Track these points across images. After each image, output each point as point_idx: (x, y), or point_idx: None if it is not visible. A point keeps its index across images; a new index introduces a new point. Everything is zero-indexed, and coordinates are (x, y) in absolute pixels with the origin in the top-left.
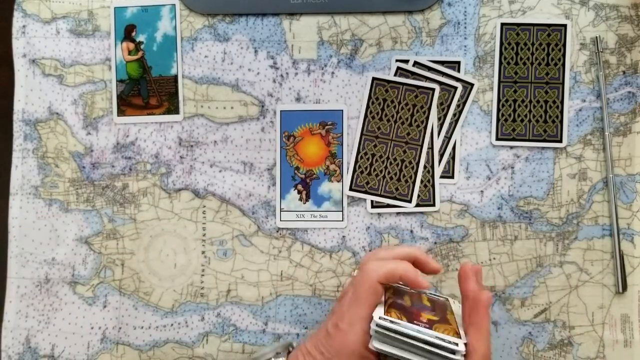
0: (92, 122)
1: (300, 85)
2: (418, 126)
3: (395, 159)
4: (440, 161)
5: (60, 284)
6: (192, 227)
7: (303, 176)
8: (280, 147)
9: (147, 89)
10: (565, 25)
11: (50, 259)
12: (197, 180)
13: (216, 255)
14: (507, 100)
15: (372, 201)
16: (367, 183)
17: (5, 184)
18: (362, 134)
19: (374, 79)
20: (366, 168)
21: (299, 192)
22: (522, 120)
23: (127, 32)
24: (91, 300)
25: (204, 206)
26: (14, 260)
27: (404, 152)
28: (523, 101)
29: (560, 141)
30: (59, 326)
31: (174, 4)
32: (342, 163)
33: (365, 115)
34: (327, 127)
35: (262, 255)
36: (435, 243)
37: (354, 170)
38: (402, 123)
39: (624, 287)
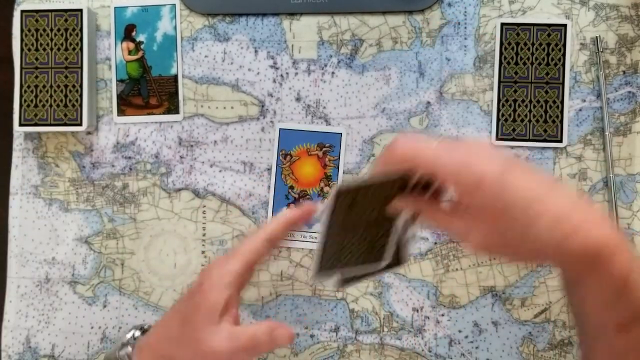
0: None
1: (300, 85)
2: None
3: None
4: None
5: (60, 284)
6: (192, 227)
7: (297, 196)
8: (277, 165)
9: (147, 88)
10: (565, 25)
11: (50, 258)
12: (197, 180)
13: (216, 255)
14: (507, 100)
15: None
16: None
17: (5, 184)
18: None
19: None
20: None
21: None
22: (522, 120)
23: (127, 32)
24: (91, 300)
25: (204, 206)
26: (14, 259)
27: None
28: (523, 101)
29: (561, 141)
30: (59, 326)
31: (174, 4)
32: None
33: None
34: (324, 149)
35: None
36: (435, 243)
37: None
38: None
39: None
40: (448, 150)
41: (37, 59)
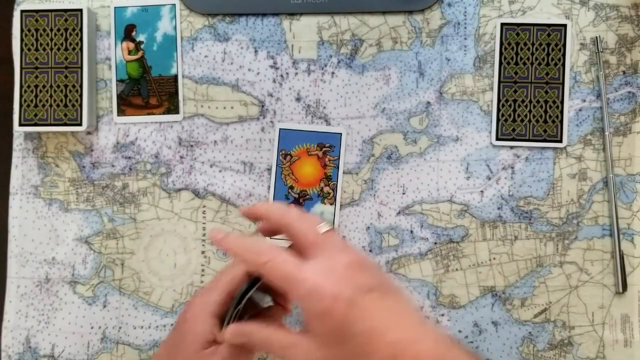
0: None
1: (300, 85)
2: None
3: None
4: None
5: (60, 284)
6: (192, 227)
7: (296, 196)
8: (277, 165)
9: (147, 88)
10: (565, 25)
11: (50, 258)
12: (197, 180)
13: (216, 255)
14: (507, 100)
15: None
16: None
17: (5, 184)
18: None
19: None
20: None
21: None
22: (522, 120)
23: (127, 32)
24: (91, 300)
25: (204, 206)
26: (14, 260)
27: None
28: (523, 101)
29: (560, 141)
30: (59, 326)
31: (174, 4)
32: (337, 186)
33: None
34: (324, 149)
35: None
36: (435, 243)
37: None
38: (539, 64)
39: (624, 287)
40: (302, 269)
41: (37, 59)
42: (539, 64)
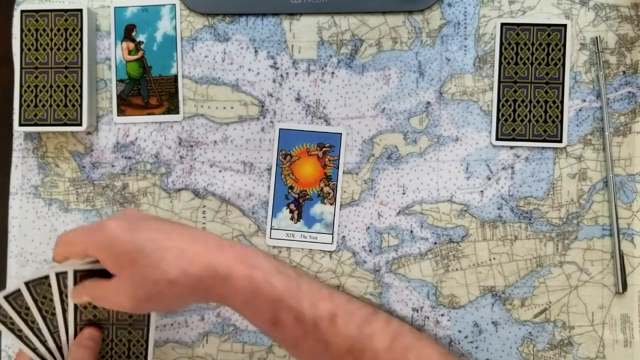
0: None
1: (300, 85)
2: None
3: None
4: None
5: None
6: None
7: (296, 196)
8: (276, 165)
9: (147, 88)
10: (565, 25)
11: (51, 258)
12: (197, 180)
13: None
14: (507, 100)
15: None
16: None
17: (5, 184)
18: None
19: (502, 24)
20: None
21: (291, 212)
22: (522, 120)
23: (127, 32)
24: None
25: (204, 206)
26: (14, 260)
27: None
28: (523, 101)
29: (560, 141)
30: None
31: (174, 4)
32: (337, 186)
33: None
34: (324, 149)
35: None
36: (435, 243)
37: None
38: (539, 64)
39: (624, 287)
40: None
41: (37, 59)
42: (539, 64)
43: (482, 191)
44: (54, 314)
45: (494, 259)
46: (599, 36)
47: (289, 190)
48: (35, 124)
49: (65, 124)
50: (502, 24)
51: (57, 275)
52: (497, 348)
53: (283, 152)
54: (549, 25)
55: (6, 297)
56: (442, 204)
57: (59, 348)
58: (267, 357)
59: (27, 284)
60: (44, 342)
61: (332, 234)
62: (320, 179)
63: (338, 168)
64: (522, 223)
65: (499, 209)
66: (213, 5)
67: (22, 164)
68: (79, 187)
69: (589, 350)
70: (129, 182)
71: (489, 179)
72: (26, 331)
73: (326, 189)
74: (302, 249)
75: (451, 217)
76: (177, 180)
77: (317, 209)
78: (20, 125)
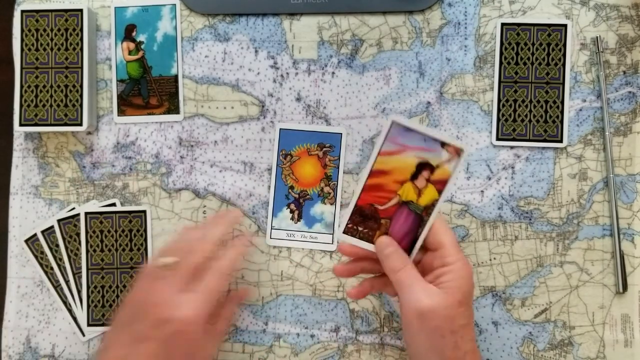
0: None
1: (301, 85)
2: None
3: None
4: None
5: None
6: None
7: (297, 196)
8: (277, 165)
9: (147, 88)
10: (565, 25)
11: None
12: (197, 180)
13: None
14: (507, 100)
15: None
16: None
17: (5, 184)
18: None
19: (503, 24)
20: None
21: (292, 212)
22: (522, 120)
23: (128, 32)
24: None
25: (204, 206)
26: (14, 260)
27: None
28: (523, 101)
29: (561, 141)
30: (59, 326)
31: (175, 4)
32: (337, 186)
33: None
34: (324, 149)
35: (262, 255)
36: None
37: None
38: (540, 64)
39: (625, 287)
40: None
41: (37, 59)
42: (539, 64)
43: (482, 191)
44: (77, 255)
45: (495, 259)
46: (600, 36)
47: (290, 190)
48: (36, 124)
49: (65, 124)
50: (503, 24)
51: (86, 214)
52: (498, 348)
53: (283, 152)
54: (550, 25)
55: (42, 232)
56: (443, 203)
57: (79, 291)
58: (267, 357)
59: (59, 221)
60: (67, 282)
61: (333, 234)
62: (321, 179)
63: (338, 168)
64: (522, 223)
65: (499, 209)
66: (213, 5)
67: (23, 164)
68: (79, 187)
69: (590, 350)
70: (129, 182)
71: (489, 179)
72: (55, 268)
73: (326, 189)
74: (303, 248)
75: (451, 217)
76: (177, 180)
77: (318, 209)
78: (21, 125)
